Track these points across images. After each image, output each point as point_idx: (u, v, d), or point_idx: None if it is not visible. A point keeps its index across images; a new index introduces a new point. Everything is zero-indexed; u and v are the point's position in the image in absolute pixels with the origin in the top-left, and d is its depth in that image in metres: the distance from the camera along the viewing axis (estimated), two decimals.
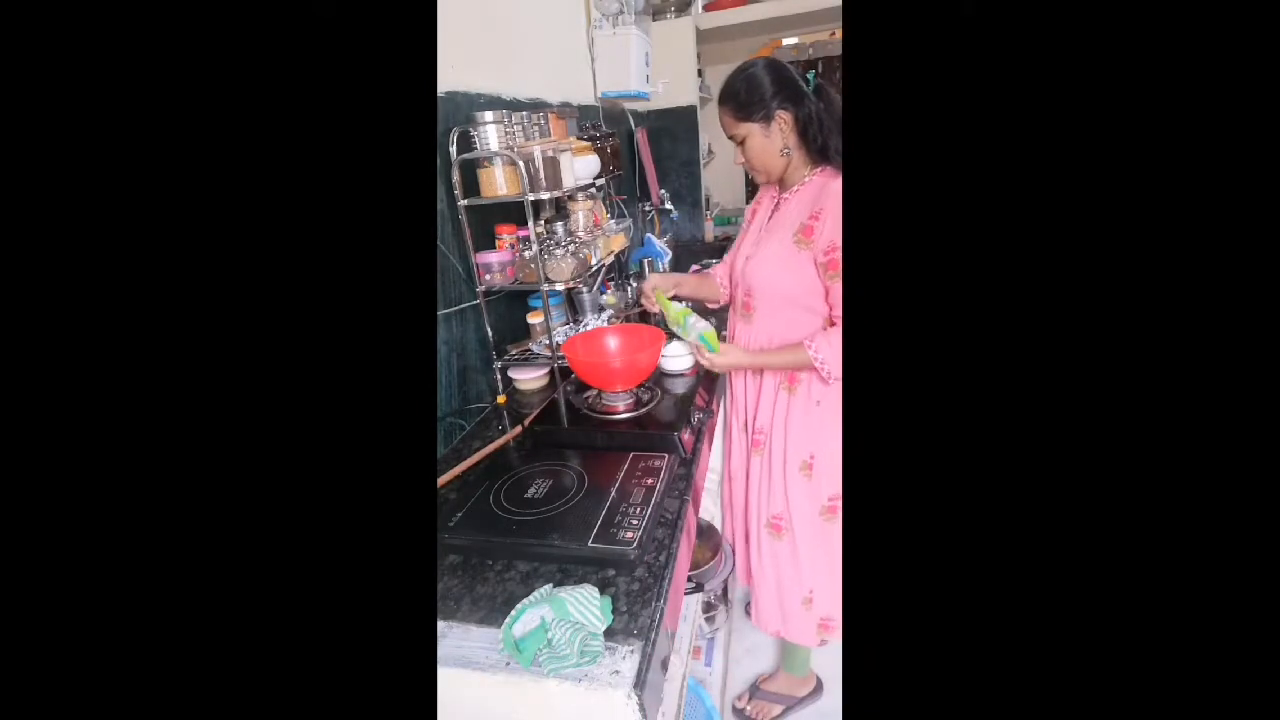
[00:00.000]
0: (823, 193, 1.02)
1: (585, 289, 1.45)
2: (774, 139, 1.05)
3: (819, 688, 1.40)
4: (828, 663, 1.42)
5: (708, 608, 1.43)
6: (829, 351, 1.01)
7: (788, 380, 1.12)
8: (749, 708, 1.36)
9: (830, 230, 0.99)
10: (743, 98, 1.03)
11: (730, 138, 1.09)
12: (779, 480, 1.16)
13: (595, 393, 1.15)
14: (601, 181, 1.46)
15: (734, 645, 1.54)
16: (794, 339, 1.08)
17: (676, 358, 1.22)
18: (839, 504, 1.13)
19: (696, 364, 1.19)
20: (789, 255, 1.05)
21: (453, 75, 1.14)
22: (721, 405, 1.31)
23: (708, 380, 1.24)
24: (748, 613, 1.36)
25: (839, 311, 1.01)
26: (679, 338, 1.14)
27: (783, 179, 1.11)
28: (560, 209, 1.36)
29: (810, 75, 1.04)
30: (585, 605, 0.65)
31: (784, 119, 1.03)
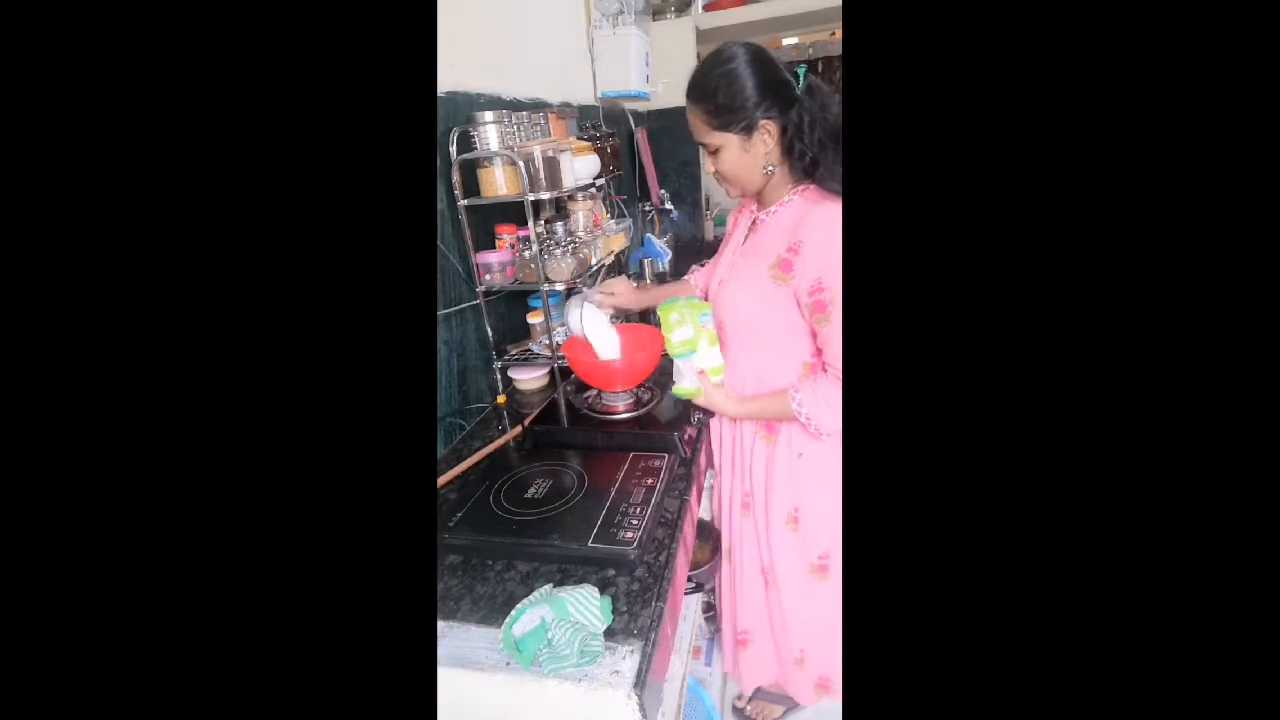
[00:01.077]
0: (804, 220, 0.86)
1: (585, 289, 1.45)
2: (755, 154, 0.87)
3: None
4: None
5: (708, 608, 1.43)
6: (814, 404, 0.87)
7: (765, 429, 1.00)
8: (749, 708, 1.36)
9: (815, 266, 0.84)
10: (720, 100, 0.84)
11: (700, 144, 0.90)
12: (764, 538, 1.07)
13: (595, 393, 1.15)
14: (601, 181, 1.45)
15: None
16: (766, 381, 0.96)
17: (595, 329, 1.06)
18: (829, 563, 1.03)
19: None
20: (764, 290, 0.90)
21: (453, 75, 1.14)
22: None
23: None
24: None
25: (830, 355, 0.87)
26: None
27: (762, 193, 0.94)
28: (560, 209, 1.36)
29: (801, 70, 0.85)
30: (585, 605, 0.65)
31: (769, 130, 0.85)
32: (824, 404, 0.88)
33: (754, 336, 0.97)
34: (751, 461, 1.04)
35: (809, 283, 0.85)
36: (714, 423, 1.13)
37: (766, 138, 0.86)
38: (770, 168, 0.89)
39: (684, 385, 0.97)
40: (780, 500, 1.02)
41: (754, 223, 0.98)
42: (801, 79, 0.85)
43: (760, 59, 0.85)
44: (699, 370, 0.97)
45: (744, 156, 0.88)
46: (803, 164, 0.87)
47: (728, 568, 1.18)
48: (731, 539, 1.14)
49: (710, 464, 1.22)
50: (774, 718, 1.35)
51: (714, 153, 0.89)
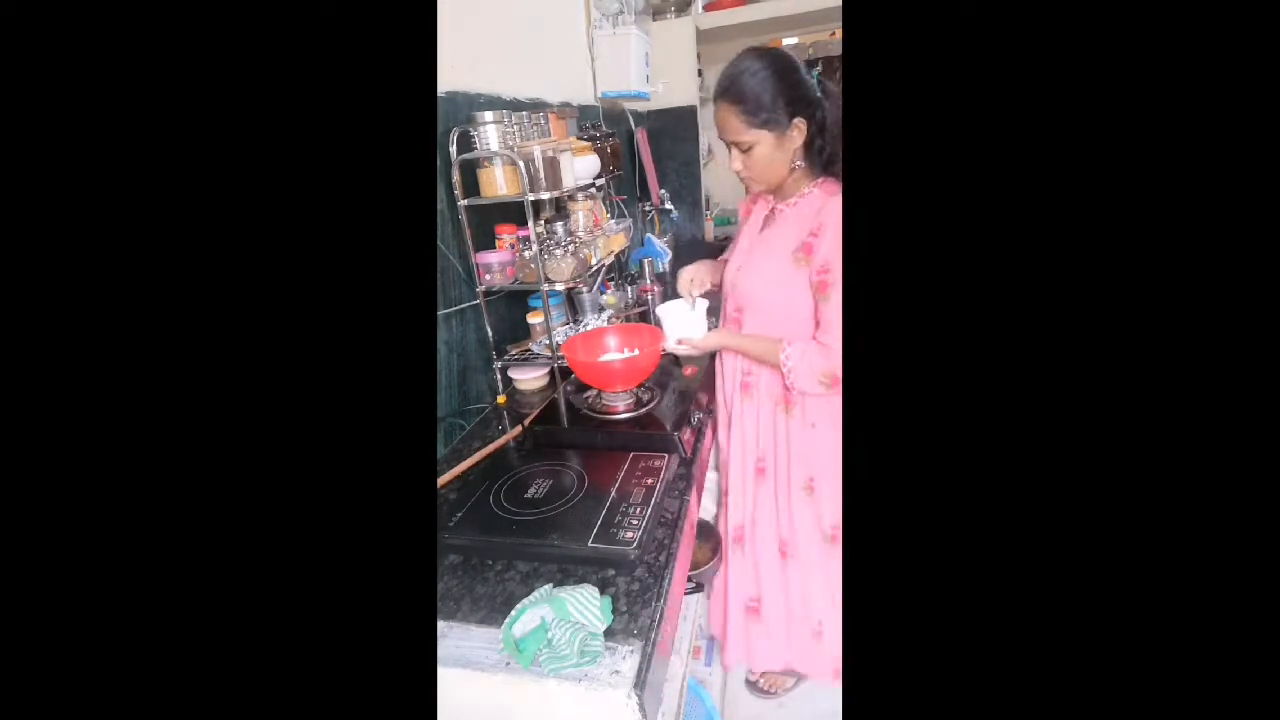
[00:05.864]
0: (824, 209, 0.95)
1: (585, 289, 1.45)
2: (786, 150, 0.94)
3: None
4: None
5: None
6: (799, 362, 0.95)
7: (784, 403, 1.07)
8: (761, 680, 1.37)
9: (827, 249, 0.92)
10: (757, 100, 0.90)
11: (732, 143, 0.96)
12: (784, 503, 1.11)
13: (595, 393, 1.15)
14: (601, 181, 1.45)
15: None
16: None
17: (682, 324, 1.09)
18: (840, 533, 1.08)
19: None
20: (786, 274, 0.98)
21: (453, 75, 1.14)
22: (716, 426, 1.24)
23: (708, 380, 1.23)
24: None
25: (822, 330, 0.95)
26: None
27: (781, 187, 1.02)
28: (560, 209, 1.36)
29: (815, 74, 0.94)
30: (585, 605, 0.65)
31: (800, 128, 0.93)
32: (806, 365, 0.95)
33: (772, 318, 1.04)
34: (774, 435, 1.09)
35: (819, 263, 0.94)
36: (723, 391, 1.18)
37: (797, 135, 0.94)
38: (797, 163, 0.97)
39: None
40: (798, 469, 1.08)
41: (772, 212, 1.07)
42: (816, 79, 0.94)
43: (787, 65, 0.93)
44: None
45: (776, 153, 0.95)
46: (821, 159, 0.97)
47: (738, 538, 1.20)
48: (746, 506, 1.17)
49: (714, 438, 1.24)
50: (785, 688, 1.36)
51: (746, 150, 0.95)
